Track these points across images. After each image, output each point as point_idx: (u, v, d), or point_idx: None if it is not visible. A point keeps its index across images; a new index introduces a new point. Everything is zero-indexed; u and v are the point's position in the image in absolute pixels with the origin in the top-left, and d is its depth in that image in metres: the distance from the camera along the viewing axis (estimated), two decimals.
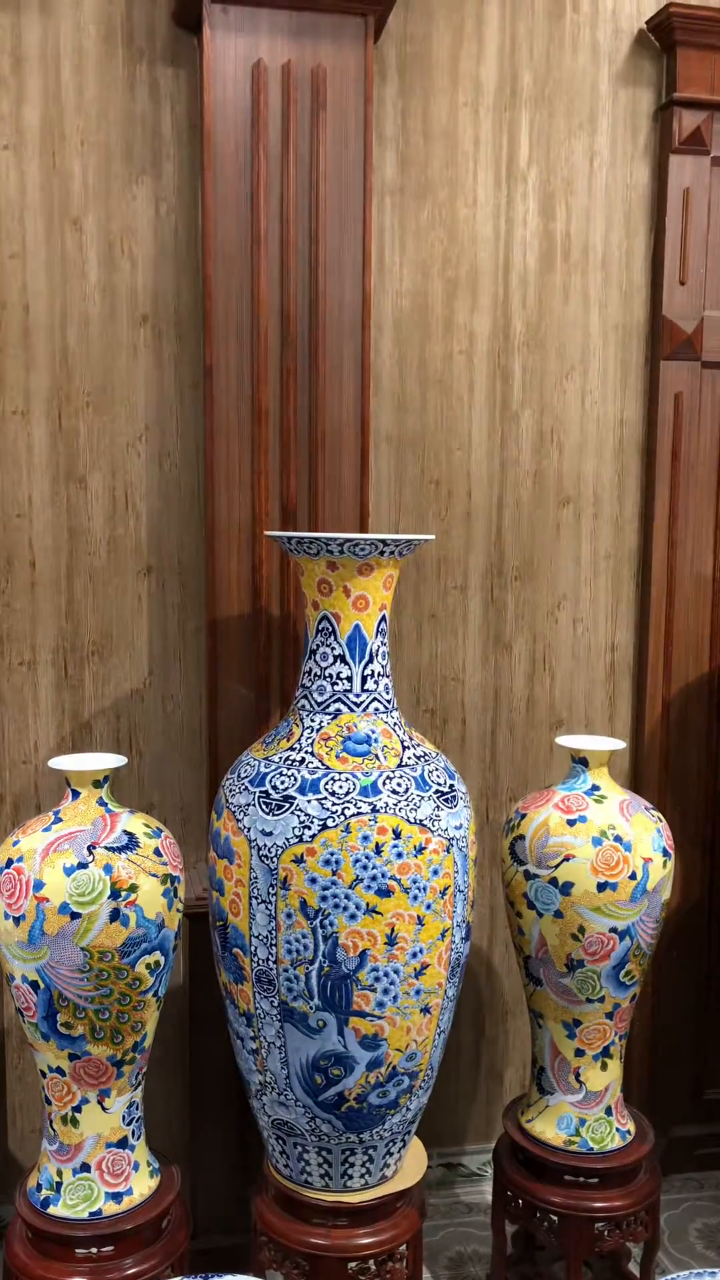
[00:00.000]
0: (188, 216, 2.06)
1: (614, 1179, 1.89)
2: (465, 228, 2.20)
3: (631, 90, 2.26)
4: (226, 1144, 2.08)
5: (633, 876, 1.81)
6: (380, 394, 2.19)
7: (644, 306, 2.32)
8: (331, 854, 1.61)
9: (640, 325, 2.32)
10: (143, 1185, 1.73)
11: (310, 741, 1.71)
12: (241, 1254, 2.04)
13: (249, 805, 1.68)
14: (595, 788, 1.89)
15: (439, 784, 1.71)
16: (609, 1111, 1.92)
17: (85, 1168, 1.69)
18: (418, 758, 1.73)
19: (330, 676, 1.73)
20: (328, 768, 1.67)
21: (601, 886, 1.79)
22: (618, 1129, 1.93)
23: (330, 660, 1.73)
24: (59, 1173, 1.70)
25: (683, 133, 2.23)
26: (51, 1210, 1.68)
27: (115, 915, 1.60)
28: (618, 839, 1.81)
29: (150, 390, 2.08)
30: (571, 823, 1.84)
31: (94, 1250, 1.66)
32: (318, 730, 1.71)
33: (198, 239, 2.05)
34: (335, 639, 1.73)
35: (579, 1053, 1.90)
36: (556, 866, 1.82)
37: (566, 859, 1.81)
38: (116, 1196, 1.69)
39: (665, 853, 1.86)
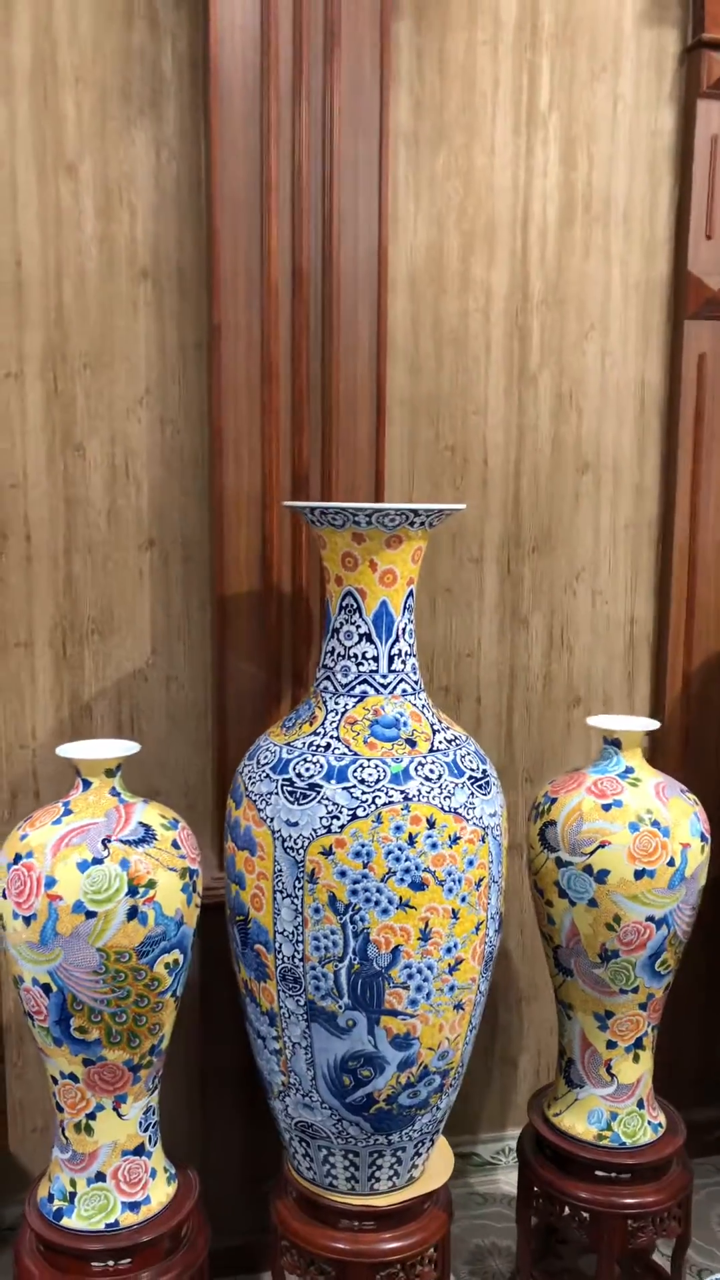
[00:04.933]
0: (190, 162, 1.92)
1: (646, 1174, 1.83)
2: (482, 177, 2.08)
3: (656, 30, 2.14)
4: (237, 1142, 1.99)
5: (671, 863, 1.73)
6: (393, 355, 2.07)
7: (668, 262, 2.21)
8: (362, 845, 1.51)
9: (663, 282, 2.21)
10: (160, 1193, 1.64)
11: (335, 725, 1.60)
12: (252, 1253, 1.97)
13: (271, 794, 1.58)
14: (629, 770, 1.80)
15: (472, 769, 1.62)
16: (640, 1104, 1.86)
17: (100, 1177, 1.59)
18: (448, 741, 1.63)
19: (355, 656, 1.63)
20: (355, 753, 1.57)
21: (639, 874, 1.71)
22: (649, 1122, 1.86)
23: (355, 639, 1.63)
24: (72, 1182, 1.60)
25: (711, 76, 2.12)
26: (65, 1222, 1.59)
27: (133, 913, 1.50)
28: (655, 824, 1.73)
29: (151, 350, 1.95)
30: (606, 807, 1.75)
31: (110, 1264, 1.57)
32: (342, 714, 1.61)
33: (201, 187, 1.92)
34: (360, 616, 1.62)
35: (611, 1045, 1.83)
36: (591, 854, 1.74)
37: (602, 845, 1.73)
38: (134, 1206, 1.60)
39: (703, 837, 1.78)
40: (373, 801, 1.52)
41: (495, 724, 2.25)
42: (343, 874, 1.52)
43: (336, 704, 1.63)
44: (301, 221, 1.86)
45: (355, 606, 1.62)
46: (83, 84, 1.86)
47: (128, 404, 1.95)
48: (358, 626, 1.63)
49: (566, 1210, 1.84)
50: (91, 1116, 1.58)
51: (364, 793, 1.53)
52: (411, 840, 1.52)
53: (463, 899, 1.56)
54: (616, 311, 2.20)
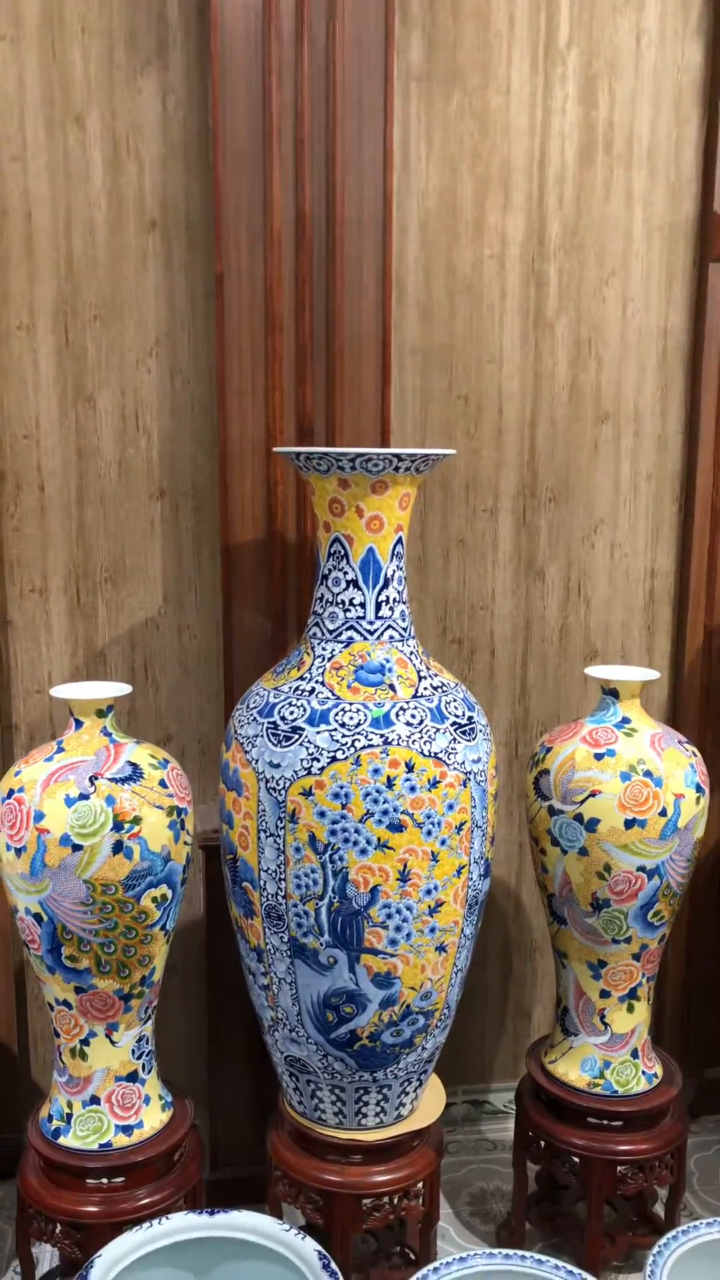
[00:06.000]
0: (198, 111, 1.92)
1: (638, 1122, 1.83)
2: (498, 118, 2.04)
3: None
4: (245, 1077, 2.05)
5: (663, 813, 1.71)
6: (405, 303, 2.05)
7: (693, 203, 2.14)
8: (341, 787, 1.54)
9: (688, 224, 2.15)
10: (154, 1119, 1.70)
11: (321, 671, 1.62)
12: (260, 1185, 2.03)
13: (257, 736, 1.61)
14: (625, 720, 1.79)
15: (456, 715, 1.63)
16: (635, 1054, 1.86)
17: (95, 1100, 1.66)
18: (434, 689, 1.64)
19: (342, 603, 1.64)
20: (338, 698, 1.58)
21: (629, 823, 1.70)
22: (644, 1072, 1.86)
23: (342, 586, 1.64)
24: (69, 1104, 1.68)
25: None
26: (62, 1141, 1.67)
27: (118, 848, 1.55)
28: (648, 774, 1.72)
29: (161, 301, 1.97)
30: (599, 756, 1.74)
31: (104, 1181, 1.64)
32: (329, 659, 1.63)
33: (209, 136, 1.92)
34: (348, 563, 1.63)
35: (604, 994, 1.83)
36: (581, 802, 1.73)
37: (592, 794, 1.72)
38: (127, 1129, 1.67)
39: (699, 789, 1.76)
40: (352, 745, 1.54)
41: (509, 677, 2.24)
42: (322, 814, 1.54)
43: (324, 649, 1.64)
44: (304, 167, 1.86)
45: (343, 553, 1.64)
46: (89, 33, 1.87)
47: (138, 355, 1.98)
48: (345, 573, 1.64)
49: (559, 1156, 1.85)
50: (85, 1042, 1.65)
51: (344, 736, 1.55)
52: (390, 783, 1.54)
53: (442, 842, 1.58)
54: (639, 256, 2.14)
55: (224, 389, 1.90)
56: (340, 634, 1.64)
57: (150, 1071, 1.72)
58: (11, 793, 1.58)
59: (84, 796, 1.55)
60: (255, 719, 1.63)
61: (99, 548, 2.03)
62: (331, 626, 1.65)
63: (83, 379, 1.97)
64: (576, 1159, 1.83)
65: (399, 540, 1.64)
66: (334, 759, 1.54)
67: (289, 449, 1.62)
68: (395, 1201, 1.73)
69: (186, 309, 1.98)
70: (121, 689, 1.66)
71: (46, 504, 2.00)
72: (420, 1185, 1.75)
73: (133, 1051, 1.67)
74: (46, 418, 1.97)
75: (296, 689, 1.62)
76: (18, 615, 2.02)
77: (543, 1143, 1.88)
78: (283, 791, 1.56)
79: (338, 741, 1.55)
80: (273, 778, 1.57)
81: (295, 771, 1.56)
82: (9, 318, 1.93)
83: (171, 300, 1.98)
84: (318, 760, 1.55)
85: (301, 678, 1.63)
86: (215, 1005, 2.03)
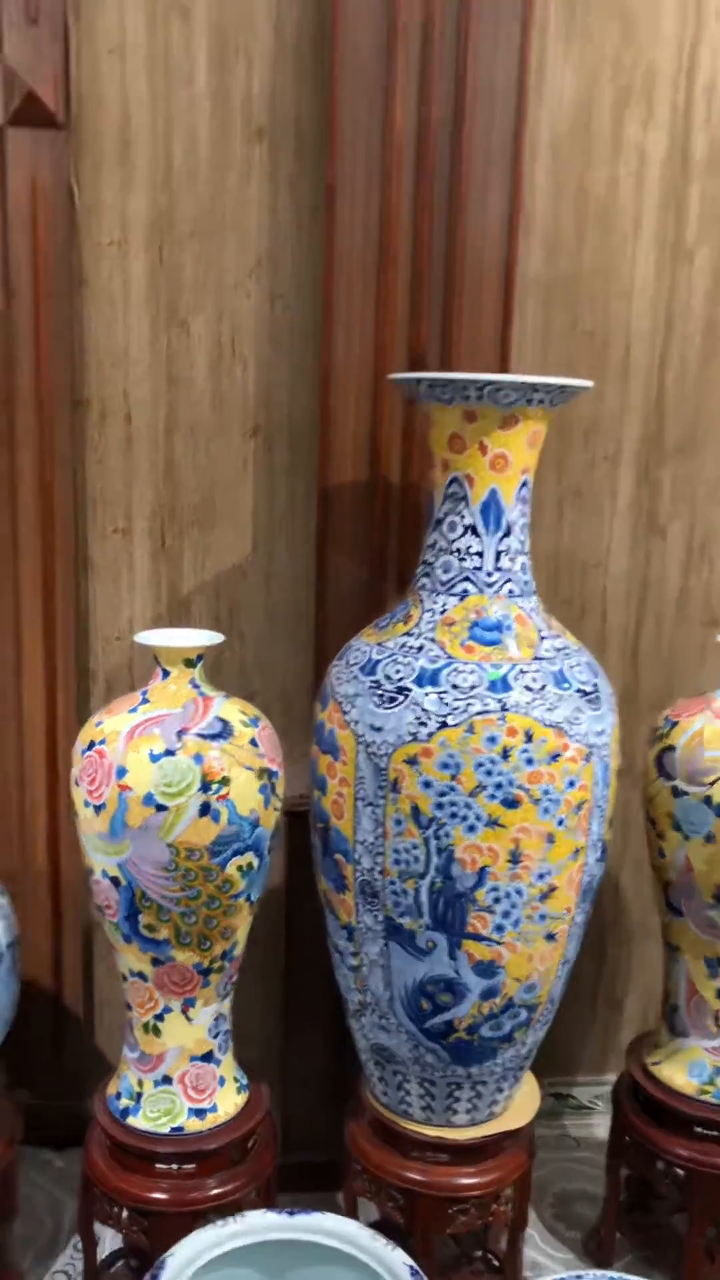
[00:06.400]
0: (313, 5, 1.74)
1: None
2: (645, 20, 1.82)
3: None
4: (320, 1058, 1.93)
5: None
6: (529, 233, 1.86)
7: None
8: (451, 756, 1.38)
9: None
10: (228, 1102, 1.58)
11: (431, 626, 1.46)
12: (332, 1172, 1.91)
13: (358, 696, 1.46)
14: None
15: (581, 682, 1.46)
16: None
17: (167, 1080, 1.54)
18: (557, 650, 1.47)
19: (458, 551, 1.48)
20: (450, 657, 1.43)
21: None
22: None
23: (459, 532, 1.47)
24: (139, 1083, 1.56)
25: None
26: (131, 1121, 1.55)
27: (205, 810, 1.41)
28: None
29: (264, 217, 1.81)
30: None
31: (175, 1167, 1.52)
32: (440, 613, 1.47)
33: (325, 34, 1.74)
34: (466, 506, 1.47)
35: None
36: (712, 784, 1.56)
37: None
38: (200, 1113, 1.55)
39: None
40: (465, 709, 1.38)
41: (621, 641, 2.06)
42: (428, 785, 1.39)
43: (434, 603, 1.48)
44: (431, 73, 1.67)
45: (461, 495, 1.47)
46: None
47: (236, 277, 1.82)
48: (462, 517, 1.47)
49: (660, 1165, 1.70)
50: (159, 1018, 1.52)
51: (456, 699, 1.39)
52: (505, 754, 1.38)
53: (560, 822, 1.42)
54: None
55: (330, 316, 1.73)
56: (453, 586, 1.48)
57: (226, 1052, 1.59)
58: (92, 744, 1.45)
59: (170, 752, 1.41)
60: (356, 677, 1.48)
61: (187, 486, 1.88)
62: (444, 577, 1.48)
63: (176, 301, 1.82)
64: (680, 1170, 1.67)
65: (524, 484, 1.47)
66: (444, 724, 1.39)
67: (408, 375, 1.45)
68: (481, 1206, 1.59)
69: (291, 227, 1.82)
70: (214, 638, 1.52)
71: (133, 436, 1.86)
72: (510, 1191, 1.61)
73: (209, 1030, 1.55)
74: (137, 342, 1.82)
75: (403, 645, 1.46)
76: (99, 556, 1.89)
77: (641, 1149, 1.73)
78: (385, 758, 1.41)
79: (448, 705, 1.39)
80: (374, 742, 1.42)
81: (400, 736, 1.40)
82: (99, 232, 1.78)
83: (275, 216, 1.81)
84: (425, 725, 1.39)
85: (409, 633, 1.48)
86: (292, 981, 1.91)
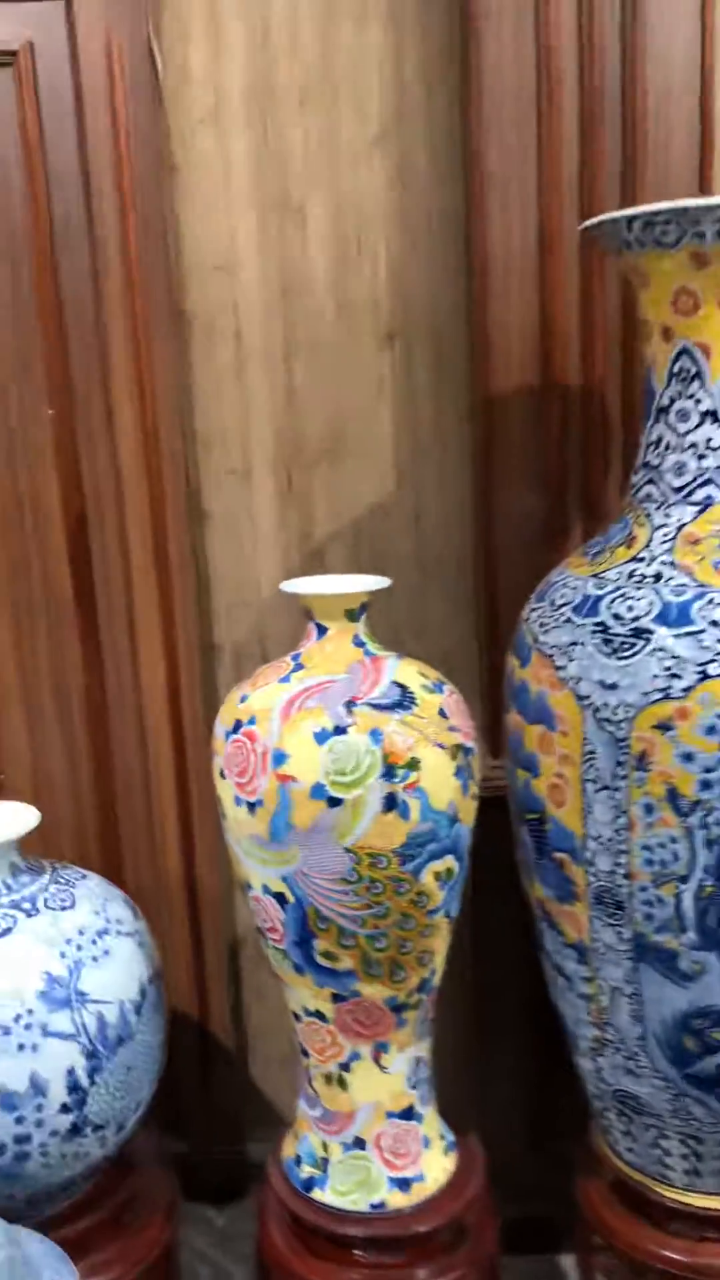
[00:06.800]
0: None
1: None
2: None
3: None
4: (522, 1093, 1.59)
5: None
6: None
7: None
8: (719, 716, 1.03)
9: None
10: (436, 1168, 1.26)
11: (667, 547, 1.11)
12: (540, 1230, 1.58)
13: (574, 645, 1.11)
14: None
15: None
16: None
17: (359, 1143, 1.23)
18: None
19: (694, 446, 1.12)
20: (702, 585, 1.07)
21: None
22: None
23: (694, 421, 1.12)
24: (324, 1146, 1.25)
25: None
26: (317, 1195, 1.24)
27: (391, 803, 1.09)
28: None
29: (387, 73, 1.46)
30: None
31: (375, 1256, 1.21)
32: (678, 529, 1.11)
33: None
34: (702, 385, 1.11)
35: None
36: None
37: None
38: (403, 1184, 1.23)
39: None
40: None
41: None
42: (688, 758, 1.04)
43: (667, 516, 1.13)
44: None
45: (694, 371, 1.11)
46: None
47: (357, 148, 1.48)
48: (697, 401, 1.11)
49: None
50: (345, 1067, 1.21)
51: (719, 640, 1.04)
52: None
53: None
54: None
55: (479, 176, 1.38)
56: (692, 492, 1.12)
57: (429, 1104, 1.27)
58: (239, 726, 1.14)
59: (340, 730, 1.09)
60: (569, 620, 1.13)
61: (312, 414, 1.56)
62: (678, 482, 1.13)
63: (286, 183, 1.49)
64: None
65: None
66: (704, 675, 1.03)
67: (612, 214, 1.10)
68: None
69: (418, 87, 1.47)
70: (379, 581, 1.19)
71: (245, 357, 1.54)
72: None
73: (407, 1079, 1.23)
74: (244, 239, 1.50)
75: (632, 574, 1.11)
76: (215, 505, 1.57)
77: None
78: (624, 724, 1.07)
79: (709, 649, 1.04)
80: (607, 705, 1.08)
81: (644, 695, 1.06)
82: (190, 102, 1.46)
83: (399, 73, 1.46)
84: (679, 678, 1.04)
85: (636, 558, 1.13)
86: (483, 1002, 1.58)
